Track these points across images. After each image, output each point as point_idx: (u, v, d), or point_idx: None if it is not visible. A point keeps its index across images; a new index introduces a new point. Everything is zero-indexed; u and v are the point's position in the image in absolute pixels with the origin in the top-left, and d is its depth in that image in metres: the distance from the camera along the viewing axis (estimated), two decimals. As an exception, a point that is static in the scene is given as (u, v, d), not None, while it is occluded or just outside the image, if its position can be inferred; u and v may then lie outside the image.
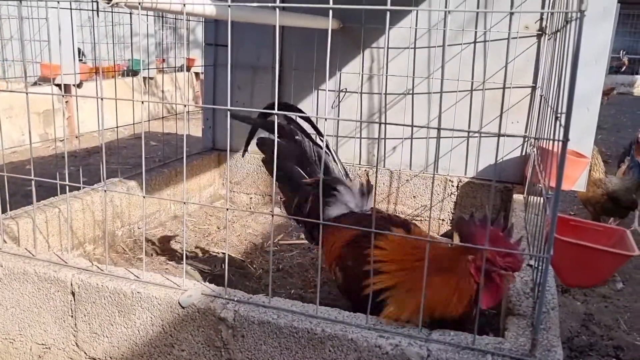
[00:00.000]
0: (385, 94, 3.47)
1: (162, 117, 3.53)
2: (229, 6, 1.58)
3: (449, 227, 3.48)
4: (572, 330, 2.81)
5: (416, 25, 3.35)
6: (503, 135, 2.94)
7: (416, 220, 3.51)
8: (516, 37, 3.17)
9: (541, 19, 3.13)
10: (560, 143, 1.34)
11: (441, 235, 3.45)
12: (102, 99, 1.79)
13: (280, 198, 2.50)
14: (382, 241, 1.87)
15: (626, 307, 3.11)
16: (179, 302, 1.74)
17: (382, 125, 3.29)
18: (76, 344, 1.91)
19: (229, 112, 1.66)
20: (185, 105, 1.64)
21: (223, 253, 3.04)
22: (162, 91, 8.28)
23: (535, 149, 2.83)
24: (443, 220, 3.48)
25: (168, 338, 1.78)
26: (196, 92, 9.27)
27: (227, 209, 1.70)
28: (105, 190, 2.26)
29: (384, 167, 3.53)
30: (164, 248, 3.07)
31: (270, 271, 1.73)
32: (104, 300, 1.84)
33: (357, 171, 3.57)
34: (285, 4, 1.56)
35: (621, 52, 16.81)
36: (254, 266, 2.91)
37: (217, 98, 3.92)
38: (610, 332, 2.82)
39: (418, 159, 3.50)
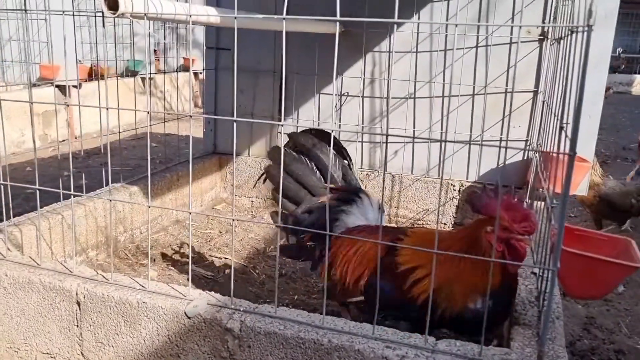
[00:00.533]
0: (388, 98, 3.48)
1: (165, 121, 3.52)
2: (235, 17, 1.57)
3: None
4: (574, 334, 2.82)
5: (418, 30, 3.35)
6: (505, 147, 2.95)
7: (418, 224, 3.52)
8: (518, 42, 3.17)
9: (543, 23, 3.14)
10: (567, 157, 1.34)
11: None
12: (107, 108, 1.79)
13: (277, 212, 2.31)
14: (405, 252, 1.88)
15: (627, 310, 3.12)
16: (185, 312, 1.74)
17: (385, 129, 3.29)
18: (82, 353, 1.91)
19: (234, 124, 1.66)
20: (191, 116, 1.64)
21: (226, 258, 3.04)
22: (163, 91, 8.27)
23: (537, 154, 2.84)
24: (445, 224, 3.48)
25: (174, 348, 1.79)
26: (195, 92, 9.26)
27: (234, 220, 1.70)
28: (110, 200, 2.25)
29: (386, 171, 3.54)
30: (167, 253, 3.07)
31: (276, 282, 1.73)
32: (110, 310, 1.84)
33: (359, 175, 3.57)
34: (289, 14, 1.56)
35: (618, 50, 16.85)
36: (257, 271, 2.91)
37: (219, 102, 3.92)
38: (612, 335, 2.83)
39: (420, 163, 3.51)
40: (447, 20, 3.30)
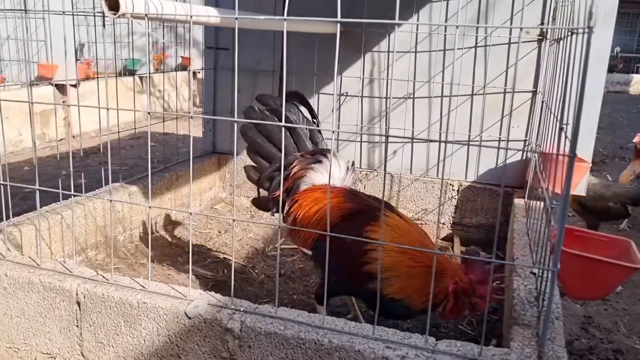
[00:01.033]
0: (388, 98, 3.48)
1: (163, 120, 3.51)
2: (236, 19, 1.57)
3: (450, 231, 3.49)
4: (572, 334, 2.83)
5: (417, 30, 3.35)
6: (504, 149, 2.95)
7: (416, 223, 3.52)
8: (517, 42, 3.18)
9: (542, 23, 3.14)
10: (568, 158, 1.34)
11: (441, 240, 3.47)
12: (107, 109, 1.79)
13: (252, 167, 2.50)
14: (376, 227, 1.96)
15: (625, 310, 3.13)
16: (185, 313, 1.74)
17: (385, 130, 3.29)
18: (81, 353, 1.91)
19: (235, 125, 1.67)
20: (191, 117, 1.64)
21: (225, 258, 3.04)
22: (161, 90, 8.26)
23: (536, 154, 2.84)
24: (444, 224, 3.49)
25: (174, 348, 1.79)
26: (193, 90, 9.26)
27: (234, 220, 1.70)
28: (110, 200, 2.25)
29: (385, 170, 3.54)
30: (166, 253, 3.07)
31: (277, 282, 1.74)
32: (110, 310, 1.84)
33: (358, 175, 3.58)
34: (289, 14, 1.56)
35: (615, 49, 16.87)
36: (256, 271, 2.91)
37: (218, 101, 3.92)
38: (610, 335, 2.84)
39: (418, 163, 3.51)
40: (446, 20, 3.30)
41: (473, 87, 3.32)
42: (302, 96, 2.48)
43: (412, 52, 3.40)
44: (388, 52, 3.46)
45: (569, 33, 1.78)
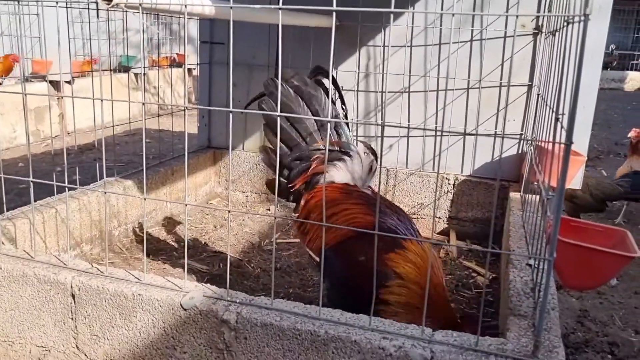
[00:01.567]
0: (384, 92, 3.47)
1: (159, 115, 3.50)
2: (231, 8, 1.56)
3: (446, 225, 3.49)
4: (568, 327, 2.84)
5: (412, 24, 3.35)
6: (499, 136, 2.95)
7: (412, 217, 3.52)
8: (512, 36, 3.18)
9: (537, 17, 3.14)
10: (564, 146, 1.34)
11: (437, 234, 3.47)
12: (102, 100, 1.78)
13: (270, 149, 2.32)
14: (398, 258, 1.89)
15: (620, 303, 3.14)
16: (180, 305, 1.74)
17: (382, 125, 3.28)
18: (76, 346, 1.90)
19: (230, 114, 1.66)
20: (186, 107, 1.63)
21: (220, 252, 3.03)
22: (156, 87, 8.23)
23: (532, 147, 2.85)
24: (439, 218, 3.49)
25: (170, 340, 1.78)
26: (188, 87, 9.23)
27: (229, 211, 1.69)
28: (105, 192, 2.24)
29: (380, 165, 3.54)
30: (161, 247, 3.07)
31: (272, 274, 1.73)
32: (105, 302, 1.83)
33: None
34: (284, 5, 1.55)
35: (610, 46, 16.92)
36: (252, 265, 2.90)
37: (213, 96, 3.91)
38: (605, 328, 2.85)
39: (414, 157, 3.51)
40: (441, 15, 3.29)
41: (469, 81, 3.32)
42: (332, 77, 2.34)
43: (408, 46, 3.39)
44: (383, 46, 3.45)
45: (565, 23, 1.78)
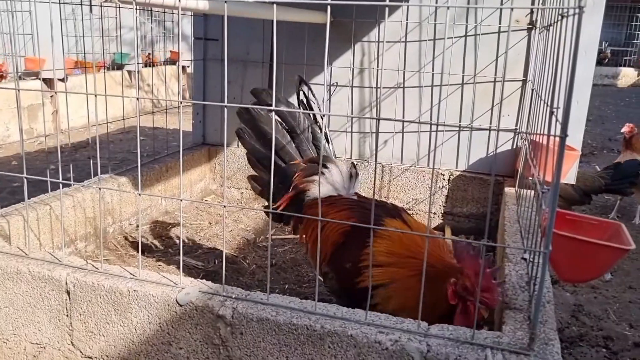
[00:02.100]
0: (379, 87, 3.47)
1: (153, 112, 3.49)
2: (225, 2, 1.56)
3: (441, 221, 3.49)
4: (562, 322, 2.85)
5: (407, 19, 3.35)
6: (494, 130, 2.95)
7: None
8: (507, 31, 3.18)
9: (531, 12, 3.15)
10: (559, 139, 1.34)
11: (432, 229, 3.47)
12: (95, 95, 1.77)
13: (253, 178, 2.36)
14: (380, 236, 1.88)
15: (615, 297, 3.15)
16: (176, 300, 1.73)
17: (377, 120, 3.28)
18: (72, 343, 1.90)
19: (225, 109, 1.65)
20: (180, 102, 1.62)
21: (216, 249, 3.03)
22: (150, 84, 8.20)
23: (526, 142, 2.85)
24: (435, 213, 3.49)
25: (165, 336, 1.77)
26: (182, 85, 9.21)
27: (225, 206, 1.69)
28: (100, 188, 2.23)
29: (376, 161, 3.54)
30: (156, 244, 3.06)
31: (268, 270, 1.73)
32: (100, 298, 1.82)
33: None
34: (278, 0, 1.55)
35: (603, 43, 16.96)
36: (247, 262, 2.90)
37: (207, 93, 3.90)
38: (600, 322, 2.86)
39: (409, 153, 3.51)
40: (436, 9, 3.29)
41: (463, 76, 3.33)
42: (305, 89, 2.34)
43: (402, 41, 3.39)
44: (378, 42, 3.45)
45: (560, 17, 1.78)
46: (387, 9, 3.09)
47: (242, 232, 3.29)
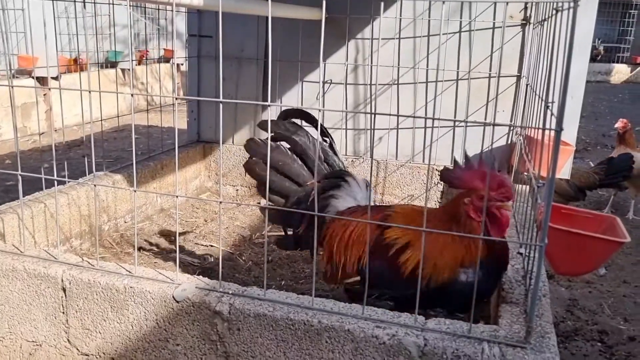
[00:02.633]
0: (374, 84, 3.47)
1: (147, 110, 3.48)
2: (220, -3, 1.56)
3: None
4: (558, 316, 2.86)
5: (401, 15, 3.35)
6: (489, 125, 2.96)
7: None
8: (501, 27, 3.19)
9: (525, 8, 3.15)
10: (554, 132, 1.35)
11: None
12: (89, 91, 1.76)
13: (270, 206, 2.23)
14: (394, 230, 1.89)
15: (609, 292, 3.17)
16: (173, 297, 1.73)
17: (372, 116, 3.29)
18: (68, 340, 1.89)
19: (220, 104, 1.65)
20: (176, 99, 1.62)
21: (211, 246, 3.03)
22: (144, 82, 8.18)
23: (521, 138, 2.86)
24: (430, 209, 3.50)
25: (162, 333, 1.77)
26: (177, 83, 9.18)
27: (220, 202, 1.69)
28: (95, 185, 2.23)
29: (372, 157, 3.54)
30: (152, 242, 3.05)
31: (265, 266, 1.73)
32: (96, 295, 1.82)
33: (344, 162, 3.57)
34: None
35: (596, 40, 17.02)
36: (243, 258, 2.90)
37: (202, 90, 3.89)
38: (595, 316, 2.88)
39: (404, 149, 3.52)
40: (429, 6, 3.30)
41: (458, 72, 3.33)
42: (306, 113, 2.28)
43: (397, 38, 3.39)
44: (372, 38, 3.45)
45: (554, 11, 1.79)
46: (382, 4, 3.09)
47: (238, 229, 3.29)
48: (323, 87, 3.58)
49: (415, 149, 3.50)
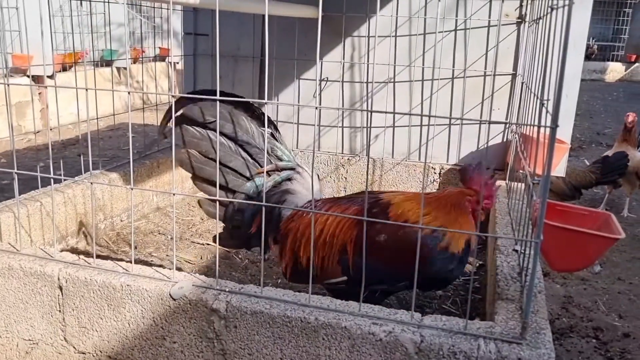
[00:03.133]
0: (370, 82, 3.48)
1: (143, 108, 3.47)
2: (217, -5, 1.56)
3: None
4: (553, 313, 2.87)
5: (397, 13, 3.36)
6: (484, 122, 2.97)
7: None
8: (497, 25, 3.20)
9: (521, 6, 3.17)
10: (550, 129, 1.36)
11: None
12: (86, 89, 1.76)
13: (208, 201, 2.08)
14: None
15: (604, 289, 3.19)
16: (170, 294, 1.73)
17: (369, 113, 3.29)
18: (65, 338, 1.89)
19: (217, 102, 1.65)
20: (173, 96, 1.62)
21: (208, 244, 3.03)
22: (139, 81, 8.16)
23: (517, 136, 2.87)
24: (426, 207, 3.50)
25: (159, 330, 1.77)
26: (173, 82, 9.15)
27: (217, 200, 1.69)
28: (92, 183, 2.22)
29: (368, 154, 3.55)
30: (148, 240, 3.05)
31: (262, 263, 1.73)
32: (93, 294, 1.82)
33: (340, 160, 3.58)
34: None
35: (591, 39, 17.06)
36: (240, 257, 2.90)
37: (198, 87, 3.88)
38: (590, 313, 2.89)
39: (400, 147, 3.52)
40: (426, 5, 3.30)
41: (453, 70, 3.34)
42: (245, 103, 2.05)
43: (392, 36, 3.40)
44: (368, 36, 3.46)
45: (549, 9, 1.79)
46: (378, 2, 3.10)
47: (234, 228, 3.29)
48: (319, 85, 3.58)
49: (412, 146, 3.51)
